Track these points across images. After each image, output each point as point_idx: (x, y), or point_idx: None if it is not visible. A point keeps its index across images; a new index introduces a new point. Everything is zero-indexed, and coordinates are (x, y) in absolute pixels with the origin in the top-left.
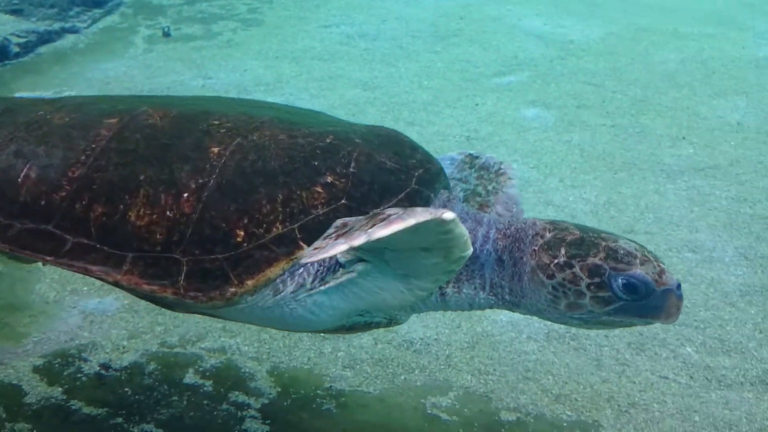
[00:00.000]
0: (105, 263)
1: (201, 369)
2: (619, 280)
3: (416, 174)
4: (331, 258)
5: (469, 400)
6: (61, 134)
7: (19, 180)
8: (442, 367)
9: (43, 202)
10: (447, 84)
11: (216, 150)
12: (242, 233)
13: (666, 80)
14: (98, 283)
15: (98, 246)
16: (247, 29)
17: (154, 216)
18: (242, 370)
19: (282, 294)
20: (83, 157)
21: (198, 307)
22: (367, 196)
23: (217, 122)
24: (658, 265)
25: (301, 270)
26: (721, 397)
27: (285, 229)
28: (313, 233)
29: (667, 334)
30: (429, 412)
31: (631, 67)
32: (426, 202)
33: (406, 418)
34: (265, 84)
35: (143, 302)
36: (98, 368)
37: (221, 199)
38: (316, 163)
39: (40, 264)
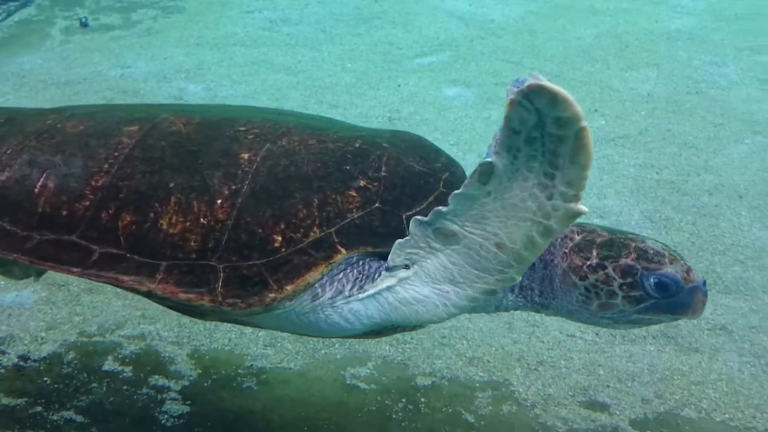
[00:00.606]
0: (137, 272)
1: (120, 356)
2: (651, 280)
3: (443, 177)
4: (370, 266)
5: (387, 368)
6: (79, 143)
7: (36, 190)
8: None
9: (64, 212)
10: (370, 66)
11: (246, 156)
12: (280, 238)
13: (581, 55)
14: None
15: (128, 255)
16: (168, 17)
17: (188, 223)
18: (162, 355)
19: (320, 300)
20: (106, 166)
21: (234, 314)
22: (399, 200)
23: (243, 128)
24: (685, 264)
25: (340, 275)
26: (624, 351)
27: (322, 233)
28: (349, 237)
29: None
30: (348, 382)
31: (548, 44)
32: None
33: (325, 390)
34: (185, 71)
35: (60, 294)
36: (17, 360)
37: (256, 205)
38: (348, 168)
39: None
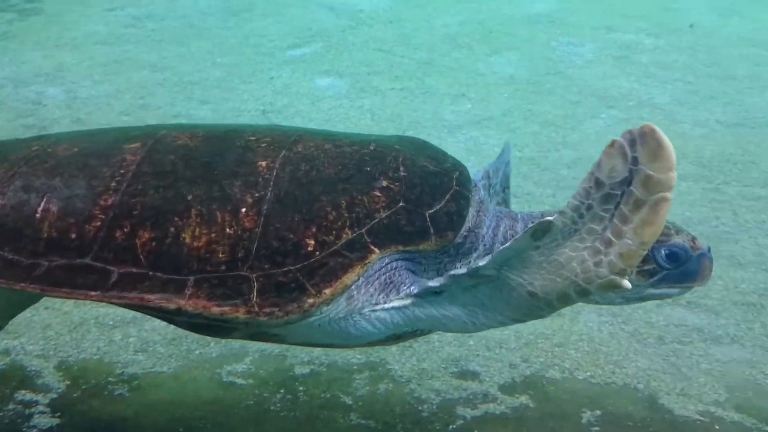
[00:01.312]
0: (164, 290)
1: None
2: (662, 251)
3: (455, 176)
4: (399, 269)
5: (265, 361)
6: (77, 164)
7: (38, 215)
8: None
9: (73, 235)
10: (241, 59)
11: (264, 163)
12: (312, 242)
13: (448, 42)
14: None
15: (151, 273)
16: (25, 20)
17: (213, 234)
18: (28, 369)
19: (354, 303)
20: (113, 184)
21: (269, 325)
22: (420, 198)
23: (254, 138)
24: (689, 234)
25: (374, 277)
26: None
27: (354, 234)
28: (380, 236)
29: None
30: (225, 380)
31: (417, 32)
32: (466, 202)
33: (201, 390)
34: (44, 74)
35: None
36: None
37: (283, 211)
38: (369, 169)
39: None
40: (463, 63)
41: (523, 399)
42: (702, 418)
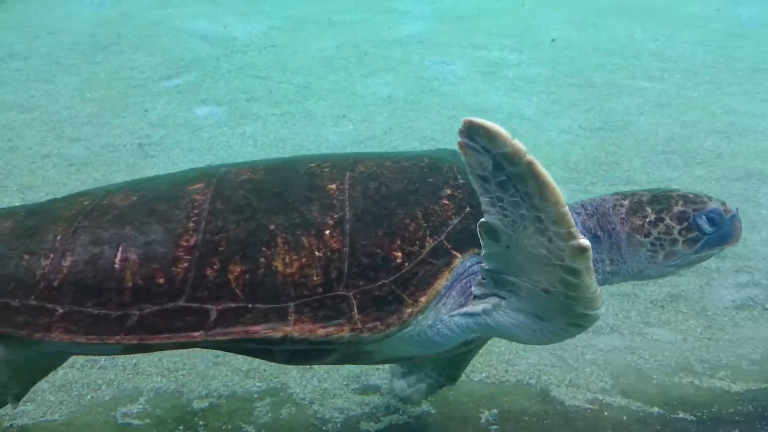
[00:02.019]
0: (267, 320)
1: None
2: (703, 218)
3: None
4: (473, 274)
5: (161, 400)
6: (144, 211)
7: (117, 266)
8: (130, 376)
9: (161, 280)
10: (112, 93)
11: (334, 186)
12: (400, 254)
13: (325, 65)
14: None
15: (250, 306)
16: None
17: (304, 259)
18: None
19: (440, 310)
20: (191, 224)
21: (371, 340)
22: (470, 220)
23: (314, 165)
24: (718, 199)
25: (457, 283)
26: None
27: (436, 242)
28: (458, 241)
29: None
30: (120, 422)
31: (293, 57)
32: None
33: None
34: None
35: None
36: None
37: (365, 228)
38: (432, 180)
39: None
40: (341, 85)
41: (425, 406)
42: (591, 406)
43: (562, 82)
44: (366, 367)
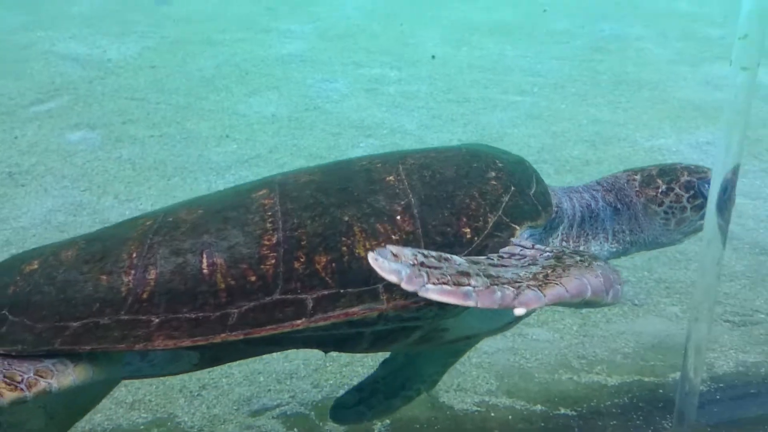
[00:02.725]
0: (361, 301)
1: None
2: (705, 185)
3: (528, 164)
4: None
5: None
6: (217, 220)
7: (205, 271)
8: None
9: (252, 278)
10: None
11: (392, 177)
12: (468, 230)
13: (205, 85)
14: None
15: (342, 291)
16: None
17: (383, 244)
18: None
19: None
20: (269, 225)
21: (451, 313)
22: (521, 182)
23: (366, 162)
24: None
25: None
26: (281, 354)
27: (496, 218)
28: (513, 216)
29: None
30: None
31: (171, 77)
32: (545, 183)
33: None
34: None
35: None
36: None
37: (432, 210)
38: (476, 165)
39: None
40: (223, 105)
41: (317, 421)
42: (479, 408)
43: (440, 97)
44: (257, 388)
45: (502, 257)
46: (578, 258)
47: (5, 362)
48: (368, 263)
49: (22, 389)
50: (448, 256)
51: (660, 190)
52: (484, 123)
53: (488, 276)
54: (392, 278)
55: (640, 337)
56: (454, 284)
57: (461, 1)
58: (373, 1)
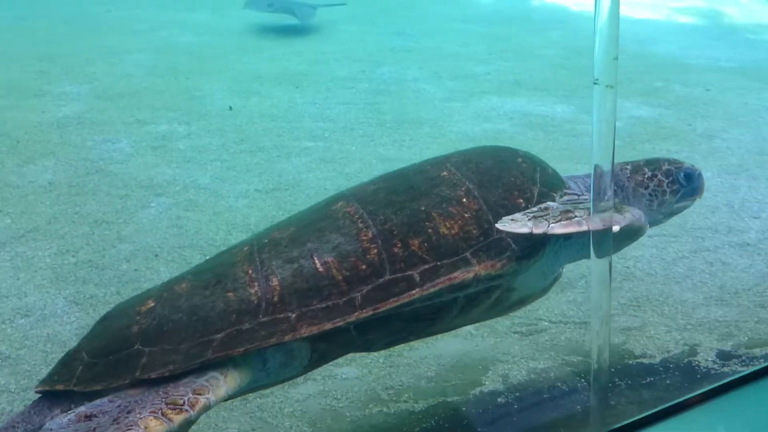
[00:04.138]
0: (457, 268)
1: None
2: (682, 174)
3: (535, 155)
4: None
5: None
6: (312, 230)
7: (320, 269)
8: None
9: (363, 266)
10: None
11: (445, 173)
12: (522, 200)
13: None
14: None
15: (439, 263)
16: None
17: (459, 222)
18: None
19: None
20: (360, 224)
21: (523, 269)
22: (541, 164)
23: (416, 168)
24: (688, 163)
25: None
26: None
27: (538, 189)
28: (548, 186)
29: None
30: None
31: None
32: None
33: None
34: None
35: None
36: None
37: (488, 190)
38: (504, 155)
39: None
40: None
41: None
42: None
43: (233, 149)
44: None
45: (572, 201)
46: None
47: (160, 392)
48: (453, 238)
49: (186, 410)
50: (546, 204)
51: (646, 176)
52: (279, 170)
53: (581, 209)
54: (524, 231)
55: (441, 359)
56: (564, 219)
57: (244, 53)
58: (154, 57)
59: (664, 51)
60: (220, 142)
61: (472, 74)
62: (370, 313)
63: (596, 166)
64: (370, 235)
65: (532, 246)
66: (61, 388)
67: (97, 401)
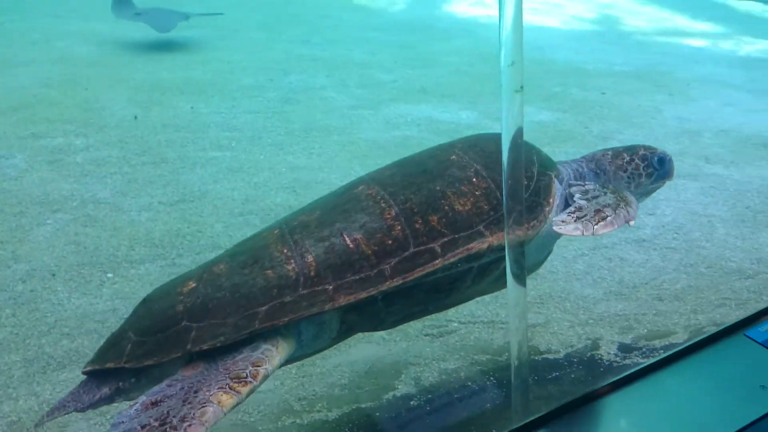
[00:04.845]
0: (473, 239)
1: None
2: (655, 158)
3: (533, 144)
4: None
5: None
6: (338, 213)
7: (351, 245)
8: None
9: (389, 242)
10: None
11: (454, 156)
12: (525, 179)
13: None
14: None
15: (456, 235)
16: None
17: (472, 199)
18: None
19: (554, 211)
20: (383, 204)
21: (530, 239)
22: (536, 148)
23: (426, 153)
24: (661, 149)
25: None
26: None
27: (537, 168)
28: (545, 166)
29: None
30: None
31: None
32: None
33: None
34: None
35: None
36: None
37: (495, 171)
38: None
39: None
40: None
41: None
42: None
43: (135, 161)
44: None
45: (586, 192)
46: (616, 190)
47: (221, 369)
48: (467, 214)
49: (250, 382)
50: (579, 204)
51: (625, 161)
52: (184, 182)
53: (605, 206)
54: (576, 233)
55: (354, 366)
56: (600, 220)
57: (145, 63)
58: (50, 68)
59: (562, 57)
60: (121, 154)
61: (379, 82)
62: (399, 282)
63: (507, 165)
64: (393, 213)
65: (536, 219)
66: (112, 366)
67: (155, 388)
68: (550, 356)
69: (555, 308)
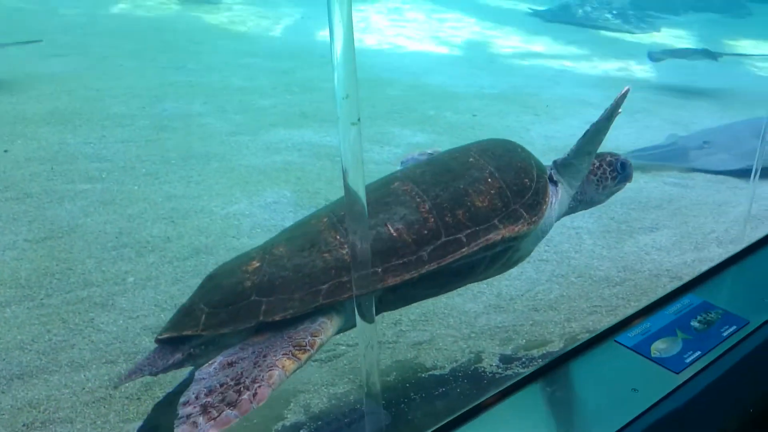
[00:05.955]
0: (490, 232)
1: None
2: (619, 163)
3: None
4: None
5: None
6: (380, 205)
7: (394, 234)
8: None
9: (425, 231)
10: None
11: (472, 159)
12: (527, 180)
13: None
14: None
15: (478, 228)
16: None
17: (488, 197)
18: None
19: (549, 211)
20: (418, 199)
21: (530, 232)
22: (536, 160)
23: (448, 155)
24: (623, 155)
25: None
26: None
27: (536, 171)
28: (541, 170)
29: None
30: None
31: None
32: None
33: None
34: None
35: None
36: None
37: (505, 172)
38: (508, 145)
39: None
40: None
41: None
42: None
43: None
44: None
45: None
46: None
47: (285, 337)
48: (485, 209)
49: (308, 350)
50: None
51: (595, 166)
52: (51, 217)
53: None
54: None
55: None
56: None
57: (7, 94)
58: None
59: (435, 81)
60: None
61: (258, 108)
62: (435, 266)
63: (347, 186)
64: (427, 207)
65: (537, 215)
66: (190, 333)
67: (230, 350)
68: (437, 372)
69: (439, 324)
